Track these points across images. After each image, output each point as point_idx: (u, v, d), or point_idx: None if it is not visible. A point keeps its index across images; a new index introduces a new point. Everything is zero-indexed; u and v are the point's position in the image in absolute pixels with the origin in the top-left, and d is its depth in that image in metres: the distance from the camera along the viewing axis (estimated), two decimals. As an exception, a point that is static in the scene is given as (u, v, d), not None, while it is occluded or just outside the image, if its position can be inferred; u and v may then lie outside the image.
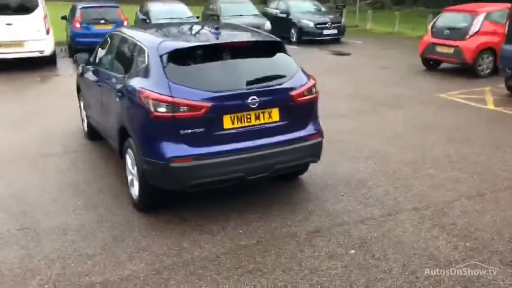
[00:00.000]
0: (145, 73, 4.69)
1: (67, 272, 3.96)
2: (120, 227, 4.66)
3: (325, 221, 4.72)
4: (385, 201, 5.10)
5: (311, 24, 17.75)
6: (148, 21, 16.97)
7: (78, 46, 14.34)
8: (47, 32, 12.96)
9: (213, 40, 4.91)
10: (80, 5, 15.98)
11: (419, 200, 5.12)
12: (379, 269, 3.92)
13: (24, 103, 9.63)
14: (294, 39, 17.94)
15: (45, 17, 12.96)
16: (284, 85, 4.76)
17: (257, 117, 4.58)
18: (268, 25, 17.20)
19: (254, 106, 4.49)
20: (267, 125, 4.65)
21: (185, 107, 4.32)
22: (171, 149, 4.38)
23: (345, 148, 6.69)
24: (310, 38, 17.65)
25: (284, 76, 4.83)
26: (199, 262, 4.06)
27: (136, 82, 4.73)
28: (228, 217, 4.76)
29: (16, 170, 6.14)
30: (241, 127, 4.52)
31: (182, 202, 5.04)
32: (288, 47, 5.44)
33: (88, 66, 6.57)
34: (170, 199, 5.00)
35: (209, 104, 4.36)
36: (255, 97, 4.48)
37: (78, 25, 15.34)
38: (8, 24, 12.41)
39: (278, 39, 5.24)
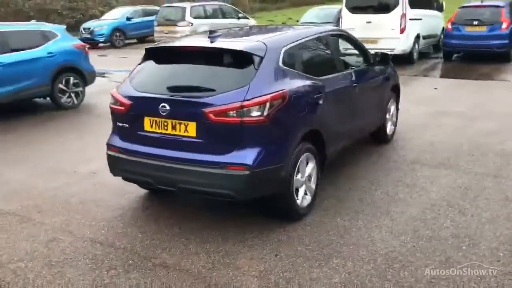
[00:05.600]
0: None
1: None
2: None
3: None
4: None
5: None
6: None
7: (446, 48, 14.30)
8: (401, 31, 13.54)
9: (192, 43, 5.05)
10: (465, 4, 15.25)
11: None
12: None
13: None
14: None
15: (403, 16, 13.47)
16: (201, 99, 4.29)
17: (174, 127, 4.40)
18: None
19: (163, 114, 4.37)
20: (183, 138, 4.38)
21: (117, 102, 4.71)
22: (111, 137, 4.88)
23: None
24: None
25: (213, 90, 4.33)
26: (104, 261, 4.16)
27: None
28: (188, 228, 4.64)
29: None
30: (158, 133, 4.49)
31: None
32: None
33: None
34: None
35: (129, 103, 4.61)
36: (165, 105, 4.34)
37: (450, 26, 14.57)
38: (368, 22, 13.60)
39: (241, 49, 4.46)
